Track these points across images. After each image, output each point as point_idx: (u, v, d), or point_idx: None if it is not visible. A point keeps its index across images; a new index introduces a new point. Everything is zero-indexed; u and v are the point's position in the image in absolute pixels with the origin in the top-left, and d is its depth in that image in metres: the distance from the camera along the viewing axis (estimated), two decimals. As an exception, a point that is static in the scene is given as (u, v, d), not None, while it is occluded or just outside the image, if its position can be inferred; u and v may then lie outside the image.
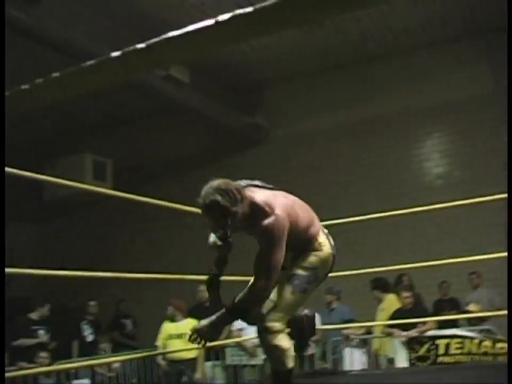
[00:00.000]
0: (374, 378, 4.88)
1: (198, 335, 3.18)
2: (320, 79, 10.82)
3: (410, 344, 7.04)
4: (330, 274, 5.32)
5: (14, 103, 1.15)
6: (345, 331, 7.91)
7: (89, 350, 9.04)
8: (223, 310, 3.13)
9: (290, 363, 3.16)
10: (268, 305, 3.14)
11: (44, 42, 7.58)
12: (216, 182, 3.00)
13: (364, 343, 8.20)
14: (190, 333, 3.21)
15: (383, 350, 7.75)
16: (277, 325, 3.11)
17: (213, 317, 3.16)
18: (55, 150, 11.09)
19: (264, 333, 3.11)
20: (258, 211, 3.04)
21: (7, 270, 2.40)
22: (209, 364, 8.15)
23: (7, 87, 1.21)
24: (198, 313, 8.04)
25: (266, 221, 3.00)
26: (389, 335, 7.44)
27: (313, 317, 3.63)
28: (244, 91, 11.17)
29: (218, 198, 2.92)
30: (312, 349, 8.02)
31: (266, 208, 3.04)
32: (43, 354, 7.74)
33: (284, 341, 3.14)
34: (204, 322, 3.19)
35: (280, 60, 9.97)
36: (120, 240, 12.35)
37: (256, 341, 7.79)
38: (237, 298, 3.11)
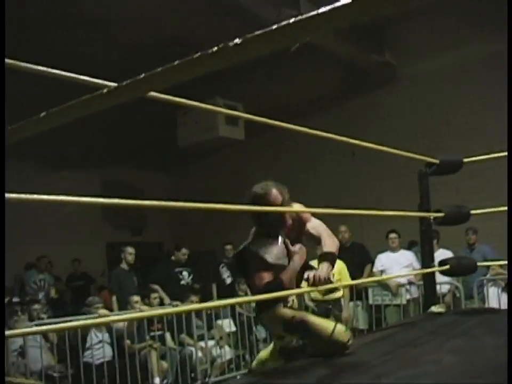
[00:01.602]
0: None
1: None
2: (450, 15, 10.28)
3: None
4: (473, 212, 5.18)
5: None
6: (492, 271, 7.65)
7: (227, 292, 9.25)
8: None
9: None
10: None
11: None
12: None
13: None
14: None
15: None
16: None
17: None
18: (186, 96, 11.22)
19: None
20: None
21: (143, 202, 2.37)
22: (351, 304, 8.14)
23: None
24: (339, 254, 8.05)
25: None
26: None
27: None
28: (372, 29, 10.84)
29: None
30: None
31: None
32: (194, 298, 7.95)
33: None
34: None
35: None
36: (251, 184, 12.46)
37: (400, 279, 7.77)
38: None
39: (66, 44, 8.71)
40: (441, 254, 7.46)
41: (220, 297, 9.12)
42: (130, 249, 8.42)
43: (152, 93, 2.31)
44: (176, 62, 1.22)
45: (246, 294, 9.18)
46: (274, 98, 11.40)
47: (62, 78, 2.02)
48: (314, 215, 3.72)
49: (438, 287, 7.44)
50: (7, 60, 1.76)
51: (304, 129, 3.65)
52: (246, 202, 3.55)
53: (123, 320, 6.63)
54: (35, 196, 1.69)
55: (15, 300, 7.94)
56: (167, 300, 8.16)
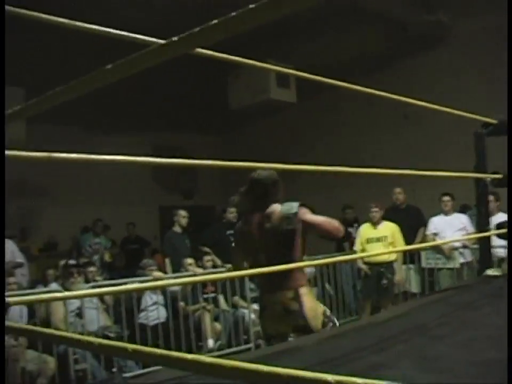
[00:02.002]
0: None
1: None
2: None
3: None
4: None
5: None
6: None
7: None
8: None
9: None
10: None
11: None
12: None
13: None
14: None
15: None
16: None
17: None
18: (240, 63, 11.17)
19: None
20: None
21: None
22: (403, 267, 8.08)
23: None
24: (393, 216, 7.97)
25: None
26: None
27: None
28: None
29: None
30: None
31: None
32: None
33: None
34: None
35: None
36: (302, 147, 12.40)
37: (455, 244, 7.65)
38: None
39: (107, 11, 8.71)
40: (501, 217, 7.29)
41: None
42: (183, 213, 8.48)
43: (204, 51, 2.27)
44: (235, 12, 1.17)
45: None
46: (325, 61, 11.23)
47: (109, 36, 1.99)
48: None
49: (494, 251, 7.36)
50: (56, 18, 1.75)
51: (357, 88, 3.57)
52: (267, 183, 3.82)
53: (179, 284, 6.71)
54: (85, 156, 1.69)
55: (71, 262, 8.09)
56: (219, 262, 8.21)
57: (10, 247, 8.40)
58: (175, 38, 1.24)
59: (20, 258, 8.38)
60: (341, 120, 11.82)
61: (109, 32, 1.97)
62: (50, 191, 11.56)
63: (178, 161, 2.26)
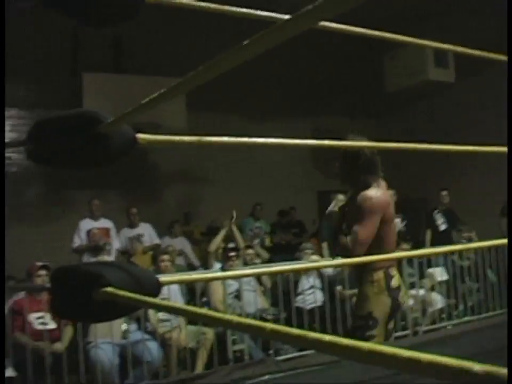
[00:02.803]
0: None
1: None
2: None
3: None
4: None
5: None
6: None
7: (441, 239, 9.03)
8: None
9: None
10: None
11: None
12: None
13: None
14: None
15: None
16: None
17: None
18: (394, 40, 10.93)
19: None
20: None
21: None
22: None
23: None
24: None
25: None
26: None
27: None
28: None
29: None
30: None
31: None
32: (405, 245, 7.73)
33: None
34: None
35: None
36: (463, 128, 11.91)
37: None
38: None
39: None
40: None
41: (432, 244, 8.92)
42: (341, 197, 8.45)
43: (357, 29, 2.18)
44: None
45: (469, 241, 8.80)
46: (484, 38, 10.71)
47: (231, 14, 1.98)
48: None
49: None
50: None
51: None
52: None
53: (335, 266, 6.68)
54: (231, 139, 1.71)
55: (230, 245, 8.34)
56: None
57: (148, 230, 8.99)
58: (299, 12, 1.23)
59: (156, 240, 9.07)
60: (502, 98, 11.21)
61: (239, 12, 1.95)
62: (212, 177, 11.93)
63: (333, 143, 2.21)
